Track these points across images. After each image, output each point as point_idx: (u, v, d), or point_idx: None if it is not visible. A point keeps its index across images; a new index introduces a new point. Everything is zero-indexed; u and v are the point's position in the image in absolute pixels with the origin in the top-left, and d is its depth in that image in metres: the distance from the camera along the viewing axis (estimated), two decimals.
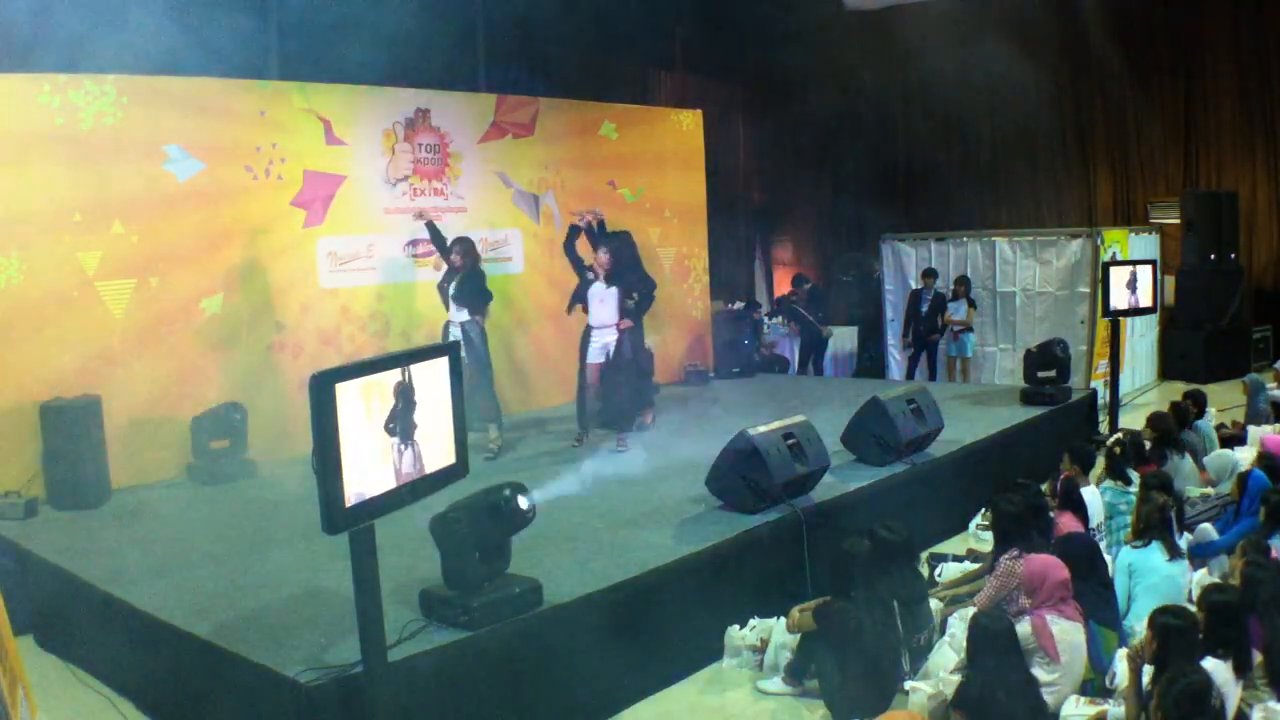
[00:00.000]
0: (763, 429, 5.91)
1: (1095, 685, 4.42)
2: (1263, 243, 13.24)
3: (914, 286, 12.17)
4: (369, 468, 3.49)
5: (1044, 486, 6.23)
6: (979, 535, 6.67)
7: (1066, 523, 5.25)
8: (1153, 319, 12.03)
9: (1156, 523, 4.95)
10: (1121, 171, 13.93)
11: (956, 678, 4.07)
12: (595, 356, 7.82)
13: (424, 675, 3.96)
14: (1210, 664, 3.54)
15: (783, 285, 14.53)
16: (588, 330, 7.88)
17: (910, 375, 11.81)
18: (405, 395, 3.66)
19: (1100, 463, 6.62)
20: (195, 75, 7.44)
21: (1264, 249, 13.24)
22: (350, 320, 8.33)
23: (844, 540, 4.80)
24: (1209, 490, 6.73)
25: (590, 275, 7.81)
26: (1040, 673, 4.22)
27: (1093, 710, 4.07)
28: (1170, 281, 12.61)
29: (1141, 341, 12.34)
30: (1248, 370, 11.25)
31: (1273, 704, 3.76)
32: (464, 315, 7.58)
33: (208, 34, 7.90)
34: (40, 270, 6.67)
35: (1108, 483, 6.25)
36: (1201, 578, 5.15)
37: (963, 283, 11.69)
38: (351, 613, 3.69)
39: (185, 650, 4.35)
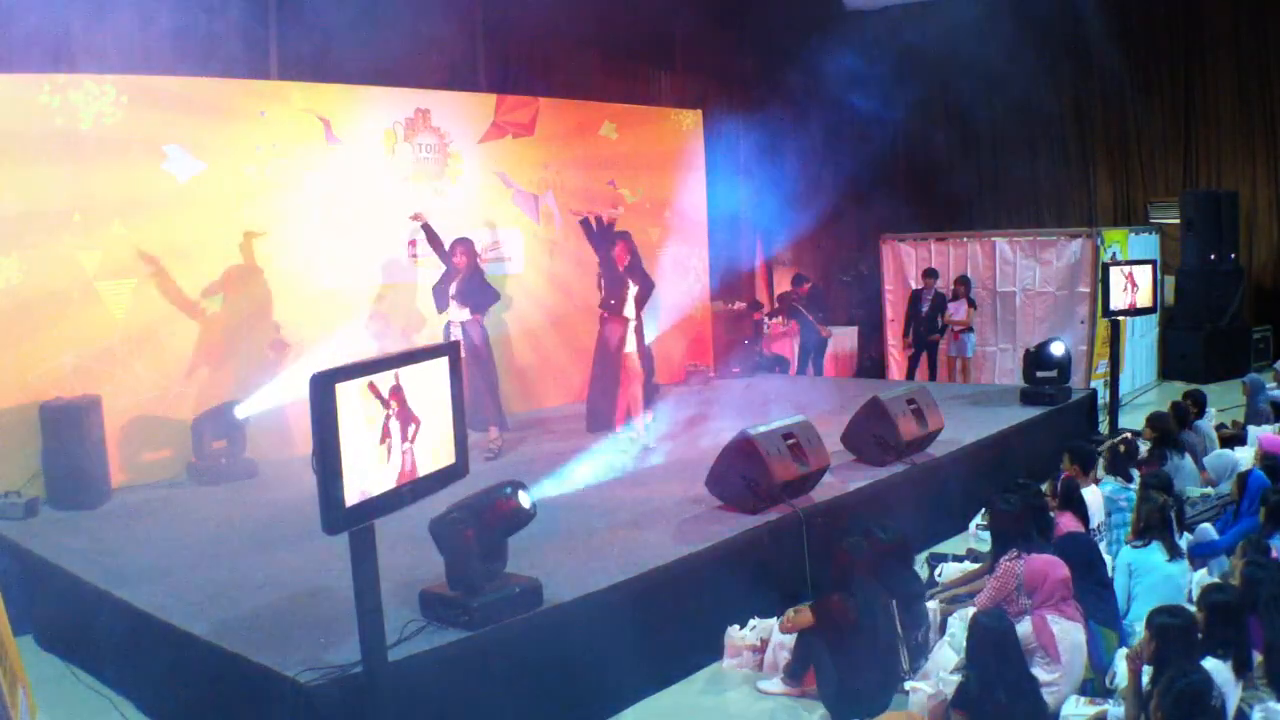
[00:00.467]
0: (763, 429, 5.91)
1: (1095, 685, 4.42)
2: (1262, 243, 13.25)
3: (914, 286, 12.16)
4: (369, 468, 3.50)
5: (1044, 486, 6.23)
6: (979, 535, 6.66)
7: (1066, 523, 5.25)
8: (1153, 319, 12.01)
9: (1156, 522, 4.96)
10: (1121, 171, 13.94)
11: (956, 678, 4.07)
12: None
13: (424, 675, 3.96)
14: (1210, 664, 3.54)
15: (783, 285, 14.52)
16: (625, 323, 7.87)
17: (910, 375, 11.79)
18: (405, 395, 3.66)
19: (1102, 461, 6.63)
20: (195, 75, 7.45)
21: (1264, 249, 13.25)
22: (350, 320, 8.33)
23: (843, 540, 4.80)
24: (1209, 490, 6.73)
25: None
26: (1040, 673, 4.22)
27: (1093, 710, 4.08)
28: (1170, 281, 12.60)
29: (1141, 341, 12.33)
30: (1248, 370, 11.26)
31: (1273, 704, 3.76)
32: (465, 315, 7.57)
33: (208, 34, 7.91)
34: (40, 270, 6.68)
35: (1108, 478, 6.26)
36: (1201, 578, 5.15)
37: (963, 283, 11.67)
38: (351, 613, 3.70)
39: (185, 650, 4.34)
